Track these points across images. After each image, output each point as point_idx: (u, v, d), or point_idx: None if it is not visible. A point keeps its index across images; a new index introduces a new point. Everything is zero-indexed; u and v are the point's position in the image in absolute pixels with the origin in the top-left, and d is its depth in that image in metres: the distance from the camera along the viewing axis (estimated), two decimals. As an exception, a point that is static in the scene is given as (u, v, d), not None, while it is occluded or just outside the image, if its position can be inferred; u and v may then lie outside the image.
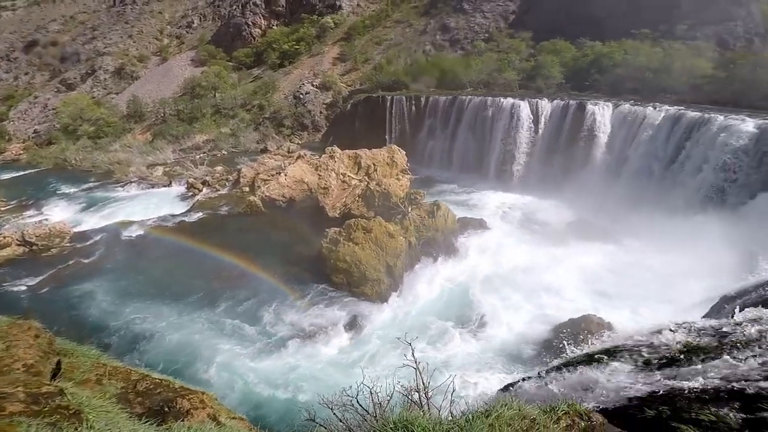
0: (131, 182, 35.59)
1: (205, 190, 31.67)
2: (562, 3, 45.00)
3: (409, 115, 38.31)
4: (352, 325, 17.03)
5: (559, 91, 35.73)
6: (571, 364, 5.61)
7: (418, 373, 4.80)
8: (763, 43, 36.35)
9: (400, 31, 55.72)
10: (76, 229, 25.41)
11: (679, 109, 24.71)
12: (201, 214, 26.99)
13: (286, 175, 26.71)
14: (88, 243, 23.81)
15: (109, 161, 40.89)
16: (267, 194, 26.35)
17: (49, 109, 57.72)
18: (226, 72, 56.76)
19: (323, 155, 28.27)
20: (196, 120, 49.07)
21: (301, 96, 50.65)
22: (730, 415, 3.29)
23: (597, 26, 40.67)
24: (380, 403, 4.67)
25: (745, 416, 3.24)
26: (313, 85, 51.67)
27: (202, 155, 43.36)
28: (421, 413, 3.94)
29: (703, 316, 11.19)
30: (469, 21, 51.11)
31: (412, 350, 5.09)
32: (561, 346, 11.29)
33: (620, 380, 4.47)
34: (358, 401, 4.76)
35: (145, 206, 29.59)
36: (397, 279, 19.41)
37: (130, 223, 25.85)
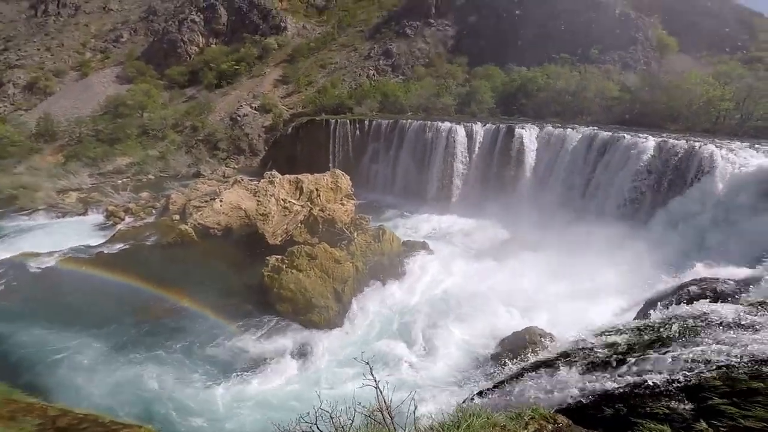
0: (38, 209, 31.80)
1: (127, 218, 29.02)
2: (494, 28, 48.29)
3: (352, 139, 37.93)
4: (301, 353, 16.42)
5: (490, 116, 37.60)
6: (524, 372, 5.72)
7: (379, 392, 4.68)
8: (658, 66, 41.24)
9: (345, 55, 56.27)
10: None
11: (594, 130, 26.88)
12: (123, 245, 24.51)
13: (221, 201, 25.24)
14: (-17, 277, 20.52)
15: (12, 185, 36.04)
16: (200, 222, 24.63)
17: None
18: (156, 90, 53.71)
19: (262, 180, 27.21)
20: (119, 141, 45.33)
21: (239, 118, 48.98)
22: (682, 405, 3.41)
23: (524, 51, 43.92)
24: (342, 427, 4.54)
25: (695, 405, 3.36)
26: (251, 107, 50.27)
27: (125, 180, 39.90)
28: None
29: (635, 318, 12.12)
30: (410, 46, 53.13)
31: (371, 369, 5.00)
32: (510, 357, 11.58)
33: (574, 383, 4.60)
34: (318, 427, 4.62)
35: (56, 236, 26.62)
36: (346, 304, 19.00)
37: (37, 254, 22.75)
